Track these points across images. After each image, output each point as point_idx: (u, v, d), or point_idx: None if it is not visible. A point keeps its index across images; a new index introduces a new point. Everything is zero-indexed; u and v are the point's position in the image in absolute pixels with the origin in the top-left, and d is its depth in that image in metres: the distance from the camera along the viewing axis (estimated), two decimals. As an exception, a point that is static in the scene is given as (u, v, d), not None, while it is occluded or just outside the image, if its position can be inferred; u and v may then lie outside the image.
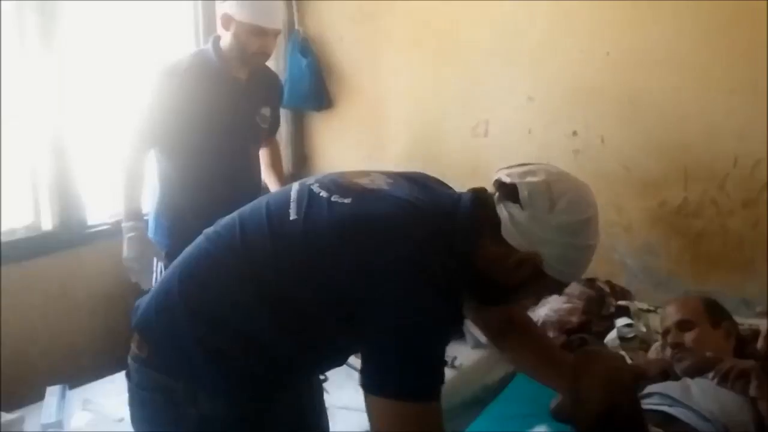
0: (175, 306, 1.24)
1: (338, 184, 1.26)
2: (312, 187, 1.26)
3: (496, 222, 1.20)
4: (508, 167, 1.23)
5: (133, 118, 2.32)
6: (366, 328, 1.16)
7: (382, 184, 1.26)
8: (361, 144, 3.16)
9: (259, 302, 1.19)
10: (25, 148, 2.40)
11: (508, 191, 1.19)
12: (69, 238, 2.47)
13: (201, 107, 2.31)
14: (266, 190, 2.58)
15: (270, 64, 2.76)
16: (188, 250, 1.32)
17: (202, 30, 2.94)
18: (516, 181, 1.19)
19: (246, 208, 1.32)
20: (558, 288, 1.30)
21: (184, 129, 2.33)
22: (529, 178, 1.19)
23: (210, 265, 1.26)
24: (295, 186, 1.30)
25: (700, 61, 2.39)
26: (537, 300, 1.36)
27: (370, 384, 1.16)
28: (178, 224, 2.30)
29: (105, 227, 2.61)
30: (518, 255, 1.19)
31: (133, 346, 1.28)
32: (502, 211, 1.19)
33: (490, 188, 1.25)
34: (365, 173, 1.30)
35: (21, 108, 2.36)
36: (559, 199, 1.18)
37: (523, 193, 1.17)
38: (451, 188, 1.33)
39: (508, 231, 1.18)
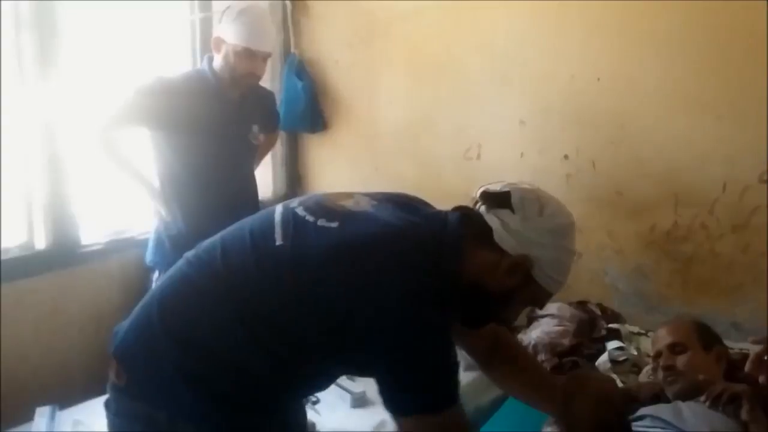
0: (155, 332, 1.22)
1: (323, 207, 1.26)
2: (296, 210, 1.26)
3: (486, 231, 1.23)
4: (487, 184, 1.29)
5: (120, 99, 2.34)
6: (368, 353, 1.17)
7: (366, 206, 1.27)
8: (354, 166, 3.18)
9: (242, 327, 1.18)
10: (20, 167, 2.40)
11: (498, 200, 1.24)
12: (62, 257, 2.47)
13: (194, 125, 2.34)
14: (264, 206, 2.60)
15: (266, 86, 2.79)
16: (168, 274, 1.31)
17: (198, 50, 2.97)
18: (507, 188, 1.24)
19: (228, 232, 1.31)
20: (542, 299, 1.31)
21: (178, 145, 2.36)
22: (517, 187, 1.26)
23: (190, 290, 1.24)
24: (278, 209, 1.29)
25: (688, 86, 2.43)
26: (517, 315, 1.38)
27: (394, 406, 1.19)
28: (181, 243, 2.31)
29: (98, 247, 2.61)
30: (511, 258, 1.22)
31: (111, 375, 1.26)
32: (493, 219, 1.24)
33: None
34: (349, 195, 1.31)
35: (15, 127, 2.36)
36: (546, 204, 1.25)
37: (515, 198, 1.23)
38: (434, 208, 1.35)
39: (500, 236, 1.23)
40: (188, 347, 1.20)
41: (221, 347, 1.19)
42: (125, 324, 1.29)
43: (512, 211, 1.23)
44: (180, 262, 1.31)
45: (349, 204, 1.27)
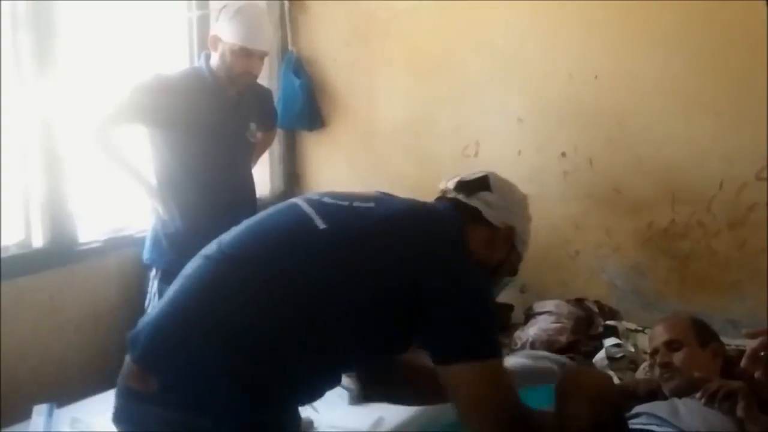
0: (196, 335, 1.18)
1: (348, 194, 1.35)
2: (323, 200, 1.32)
3: (475, 213, 1.38)
4: (454, 176, 1.45)
5: (117, 97, 2.34)
6: (422, 308, 1.22)
7: (378, 195, 1.39)
8: (352, 164, 3.18)
9: (289, 312, 1.19)
10: (18, 165, 2.39)
11: (477, 184, 1.41)
12: (60, 255, 2.46)
13: (191, 123, 2.34)
14: (262, 203, 2.60)
15: (264, 84, 2.79)
16: (189, 275, 1.27)
17: (196, 48, 2.97)
18: (480, 174, 1.43)
19: (251, 228, 1.31)
20: (517, 266, 1.49)
21: (175, 143, 2.36)
22: (486, 171, 1.45)
23: (232, 285, 1.22)
24: (300, 201, 1.33)
25: (687, 85, 2.43)
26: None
27: (443, 353, 1.24)
28: (178, 241, 2.32)
29: (96, 245, 2.61)
30: (501, 231, 1.40)
31: (132, 383, 1.21)
32: (475, 201, 1.39)
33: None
34: (353, 192, 1.39)
35: (13, 126, 2.36)
36: (510, 183, 1.47)
37: (492, 180, 1.42)
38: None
39: (488, 213, 1.39)
40: (238, 348, 1.17)
41: (273, 343, 1.18)
42: (145, 331, 1.23)
43: (491, 191, 1.39)
44: (200, 261, 1.27)
45: (361, 193, 1.38)
